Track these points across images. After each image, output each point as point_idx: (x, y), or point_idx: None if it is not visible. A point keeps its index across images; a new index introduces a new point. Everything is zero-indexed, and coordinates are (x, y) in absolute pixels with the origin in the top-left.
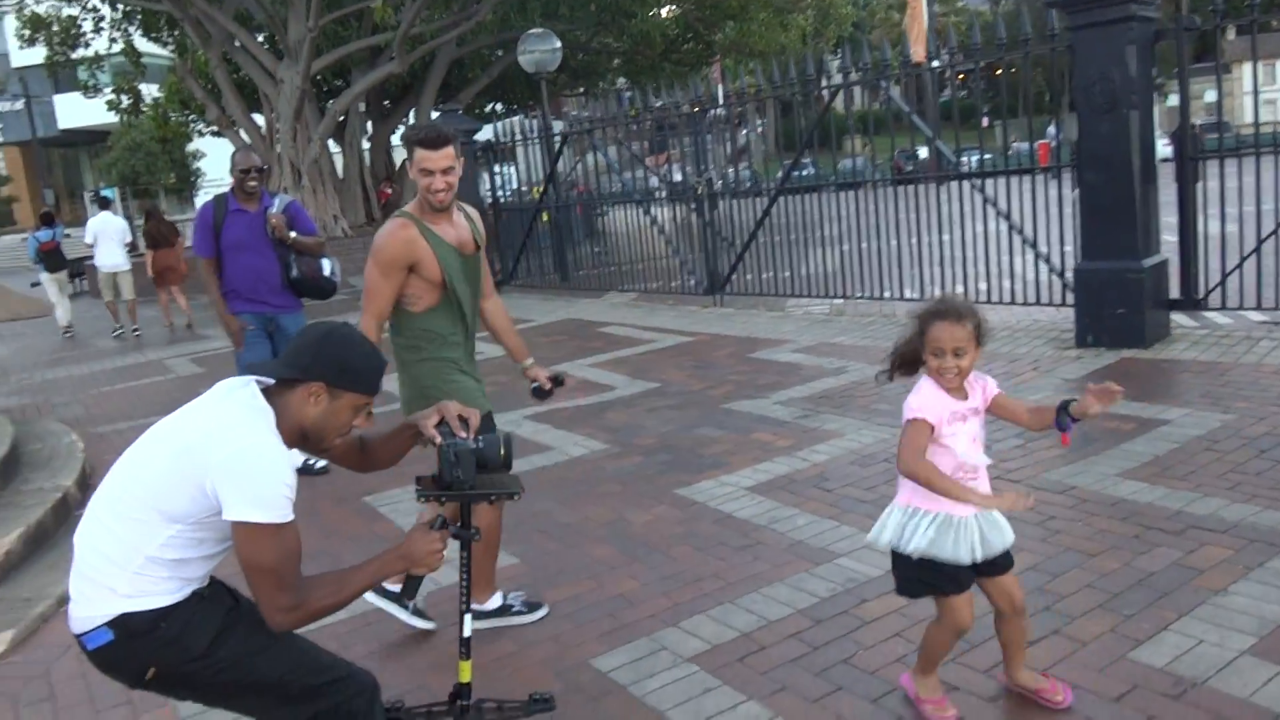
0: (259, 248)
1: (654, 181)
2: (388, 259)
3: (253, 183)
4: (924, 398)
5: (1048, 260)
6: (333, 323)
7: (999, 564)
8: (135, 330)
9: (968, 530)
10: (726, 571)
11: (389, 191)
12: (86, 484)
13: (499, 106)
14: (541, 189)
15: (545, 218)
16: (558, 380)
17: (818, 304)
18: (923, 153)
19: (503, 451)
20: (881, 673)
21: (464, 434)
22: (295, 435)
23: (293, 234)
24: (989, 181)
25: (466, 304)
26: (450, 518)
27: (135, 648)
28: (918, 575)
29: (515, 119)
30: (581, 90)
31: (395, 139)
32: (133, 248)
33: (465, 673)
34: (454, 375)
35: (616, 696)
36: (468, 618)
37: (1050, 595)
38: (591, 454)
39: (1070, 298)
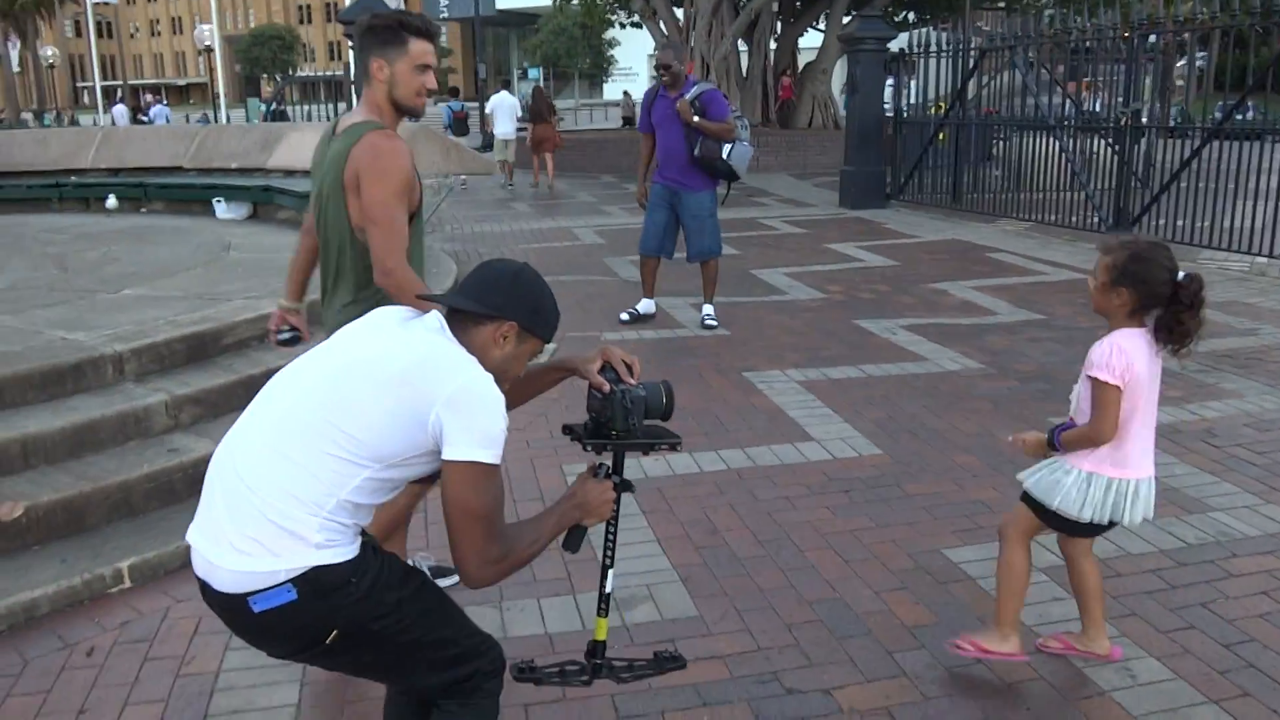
0: (671, 129)
1: (1069, 109)
2: (403, 181)
3: (664, 76)
4: (1121, 353)
5: None
6: (520, 262)
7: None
8: (510, 185)
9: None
10: None
11: (789, 90)
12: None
13: (910, 15)
14: (945, 105)
15: (943, 136)
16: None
17: (1236, 259)
18: None
19: (665, 400)
20: (1240, 623)
21: (630, 380)
22: None
23: (697, 119)
24: None
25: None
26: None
27: (322, 607)
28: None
29: (924, 30)
30: (1001, 5)
31: (803, 41)
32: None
33: (602, 630)
34: None
35: (964, 584)
36: (610, 573)
37: None
38: (965, 370)
39: None
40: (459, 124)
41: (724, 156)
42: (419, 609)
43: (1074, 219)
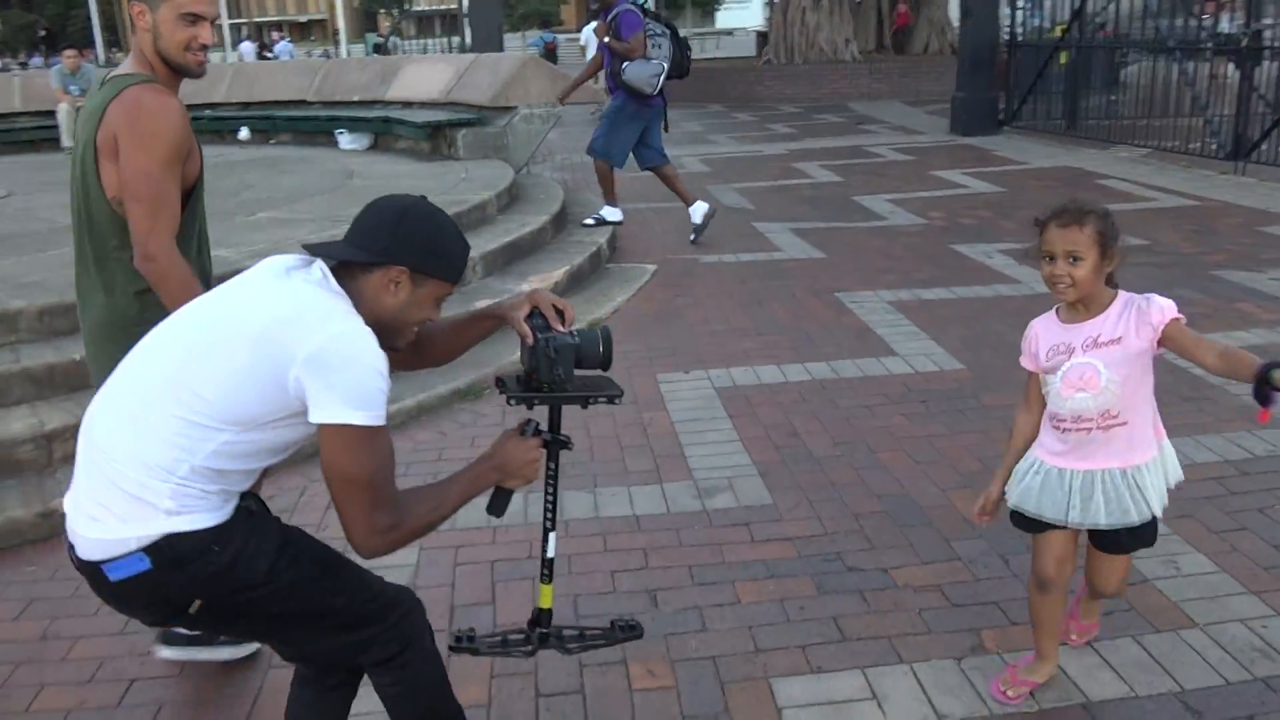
0: (604, 48)
1: (1193, 29)
2: (173, 147)
3: (595, 5)
4: (1026, 339)
5: None
6: (410, 197)
7: (1111, 540)
8: (597, 112)
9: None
10: (1167, 416)
11: (905, 16)
12: (614, 244)
13: None
14: (1064, 27)
15: (1063, 59)
16: None
17: None
18: None
19: (601, 348)
20: None
21: (560, 327)
22: (369, 326)
23: (607, 38)
24: None
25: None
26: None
27: (179, 578)
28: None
29: None
30: None
31: None
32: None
33: (546, 597)
34: None
35: None
36: (552, 537)
37: None
38: None
39: None
40: (549, 56)
41: (625, 77)
42: (295, 578)
43: (1193, 146)
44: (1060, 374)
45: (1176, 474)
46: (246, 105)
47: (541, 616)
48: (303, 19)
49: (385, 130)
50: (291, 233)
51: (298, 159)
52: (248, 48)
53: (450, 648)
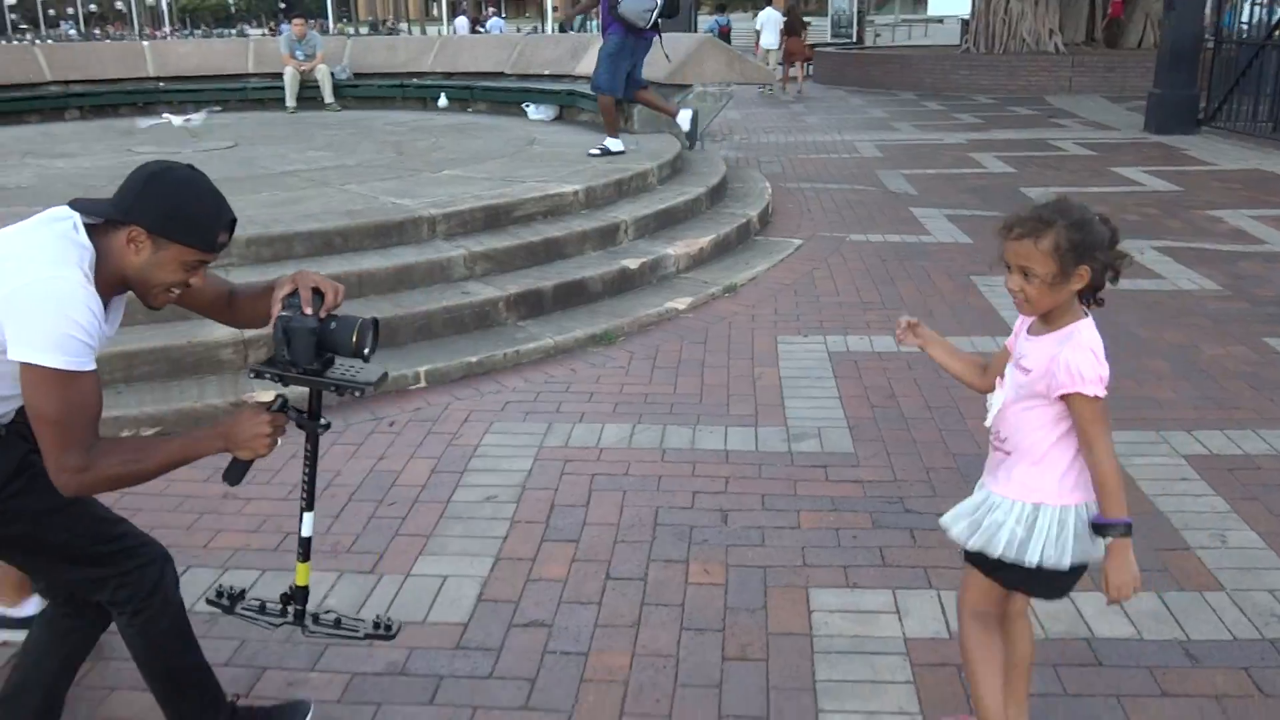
0: None
1: None
2: None
3: None
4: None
5: None
6: (171, 163)
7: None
8: (768, 90)
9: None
10: (1268, 409)
11: (1119, 7)
12: (766, 219)
13: None
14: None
15: None
16: None
17: None
18: None
19: (355, 338)
20: None
21: (308, 310)
22: (115, 281)
23: None
24: None
25: None
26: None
27: None
28: None
29: None
30: None
31: None
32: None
33: (302, 575)
34: None
35: None
36: (308, 517)
37: None
38: (1199, 291)
39: None
40: (723, 39)
41: (616, 8)
42: (26, 506)
43: None
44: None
45: (1053, 554)
46: (449, 75)
47: (296, 593)
48: None
49: (570, 103)
50: (468, 188)
51: (488, 126)
52: (462, 22)
53: (208, 600)
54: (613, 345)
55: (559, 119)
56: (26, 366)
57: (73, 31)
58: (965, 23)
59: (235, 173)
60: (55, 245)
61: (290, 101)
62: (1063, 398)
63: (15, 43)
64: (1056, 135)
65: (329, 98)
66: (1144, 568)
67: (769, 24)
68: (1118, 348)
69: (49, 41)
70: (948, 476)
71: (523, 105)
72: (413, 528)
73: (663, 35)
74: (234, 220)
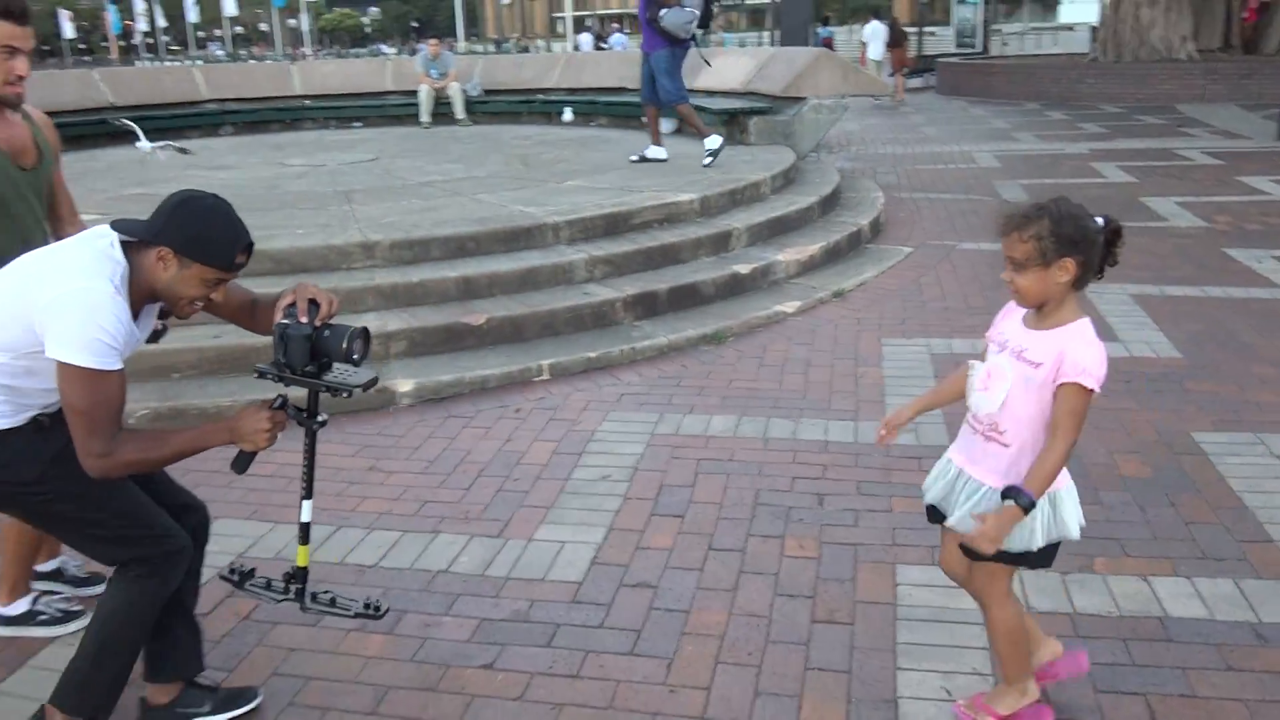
0: None
1: None
2: None
3: None
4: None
5: None
6: (199, 192)
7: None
8: (888, 100)
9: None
10: None
11: (1254, 12)
12: (878, 228)
13: None
14: None
15: None
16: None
17: None
18: None
19: (345, 345)
20: None
21: (303, 319)
22: (146, 293)
23: None
24: None
25: (32, 227)
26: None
27: None
28: None
29: None
30: None
31: None
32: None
33: (302, 557)
34: None
35: (1196, 459)
36: (307, 504)
37: None
38: None
39: None
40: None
41: (654, 16)
42: (68, 489)
43: None
44: (984, 365)
45: (1041, 533)
46: (573, 90)
47: (297, 573)
48: None
49: None
50: (591, 197)
51: (609, 139)
52: (586, 39)
53: (221, 576)
54: (722, 345)
55: (677, 132)
56: (60, 364)
57: (220, 52)
58: (1095, 30)
59: (378, 183)
60: (91, 260)
61: (425, 117)
62: (1059, 387)
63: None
64: (1183, 145)
65: (461, 113)
66: (1223, 557)
67: (875, 36)
68: (1225, 352)
69: (200, 63)
70: None
71: (642, 119)
72: (535, 500)
73: (698, 43)
74: (251, 244)
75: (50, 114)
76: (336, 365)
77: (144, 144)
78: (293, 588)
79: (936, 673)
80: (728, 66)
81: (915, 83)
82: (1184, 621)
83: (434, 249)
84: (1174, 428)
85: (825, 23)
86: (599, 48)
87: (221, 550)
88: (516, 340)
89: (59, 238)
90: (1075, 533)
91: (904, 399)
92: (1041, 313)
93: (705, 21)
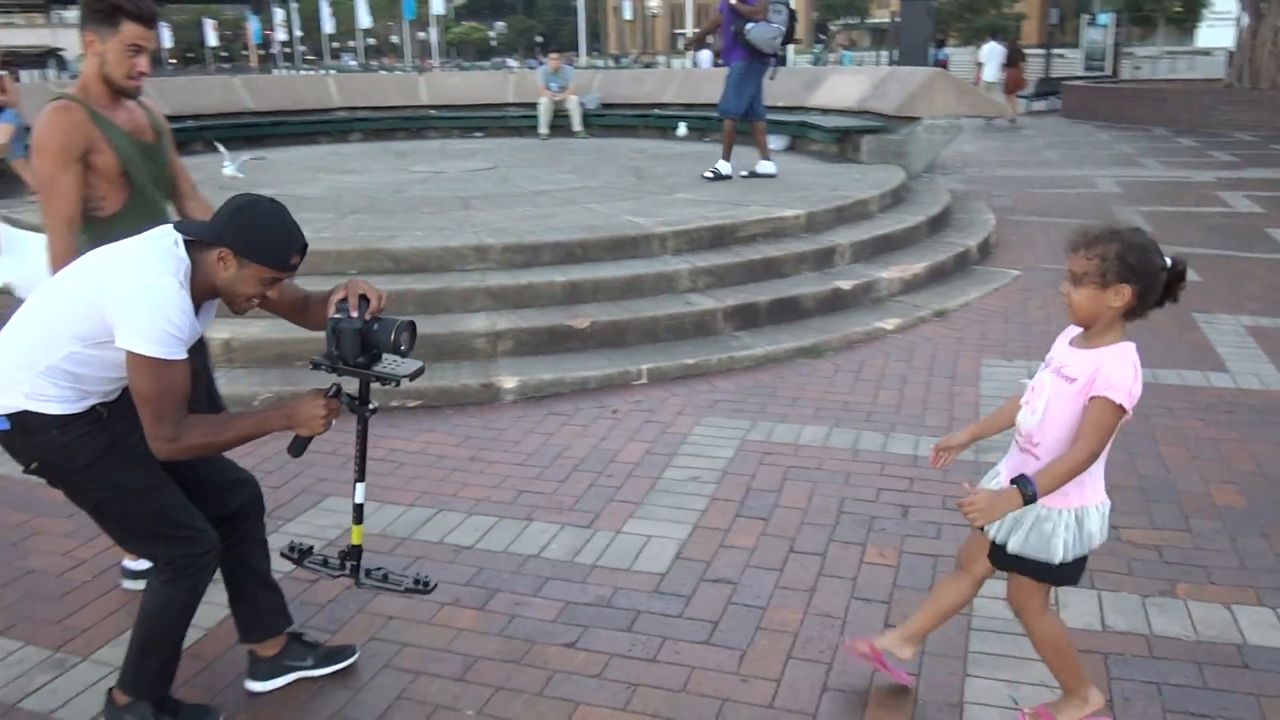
0: (725, 10)
1: None
2: (58, 146)
3: None
4: None
5: None
6: (257, 196)
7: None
8: (1006, 121)
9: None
10: None
11: None
12: (987, 250)
13: None
14: None
15: None
16: None
17: None
18: None
19: (393, 337)
20: None
21: (354, 313)
22: (207, 289)
23: (733, 1)
24: None
25: (152, 203)
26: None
27: (26, 442)
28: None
29: None
30: None
31: None
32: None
33: (357, 536)
34: None
35: None
36: (360, 486)
37: None
38: None
39: None
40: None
41: (741, 32)
42: (112, 481)
43: None
44: (1030, 382)
45: (1061, 548)
46: (689, 106)
47: (352, 550)
48: None
49: (801, 133)
50: (698, 210)
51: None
52: (705, 56)
53: (282, 553)
54: (819, 358)
55: (790, 149)
56: (130, 354)
57: (353, 63)
58: (1232, 55)
59: (494, 190)
60: (158, 257)
61: (543, 129)
62: (1090, 400)
63: (309, 72)
64: None
65: (578, 126)
66: None
67: (991, 57)
68: None
69: (333, 72)
70: (1130, 495)
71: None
72: (625, 496)
73: (781, 61)
74: (305, 245)
75: (193, 116)
76: (386, 356)
77: (229, 167)
78: (348, 564)
79: (1004, 681)
80: (843, 85)
81: (1039, 105)
82: (1263, 650)
83: (544, 254)
84: (1275, 461)
85: (941, 45)
86: (718, 65)
87: (330, 525)
88: (617, 344)
89: (183, 213)
90: (1095, 545)
91: None
92: (1089, 333)
93: (789, 38)
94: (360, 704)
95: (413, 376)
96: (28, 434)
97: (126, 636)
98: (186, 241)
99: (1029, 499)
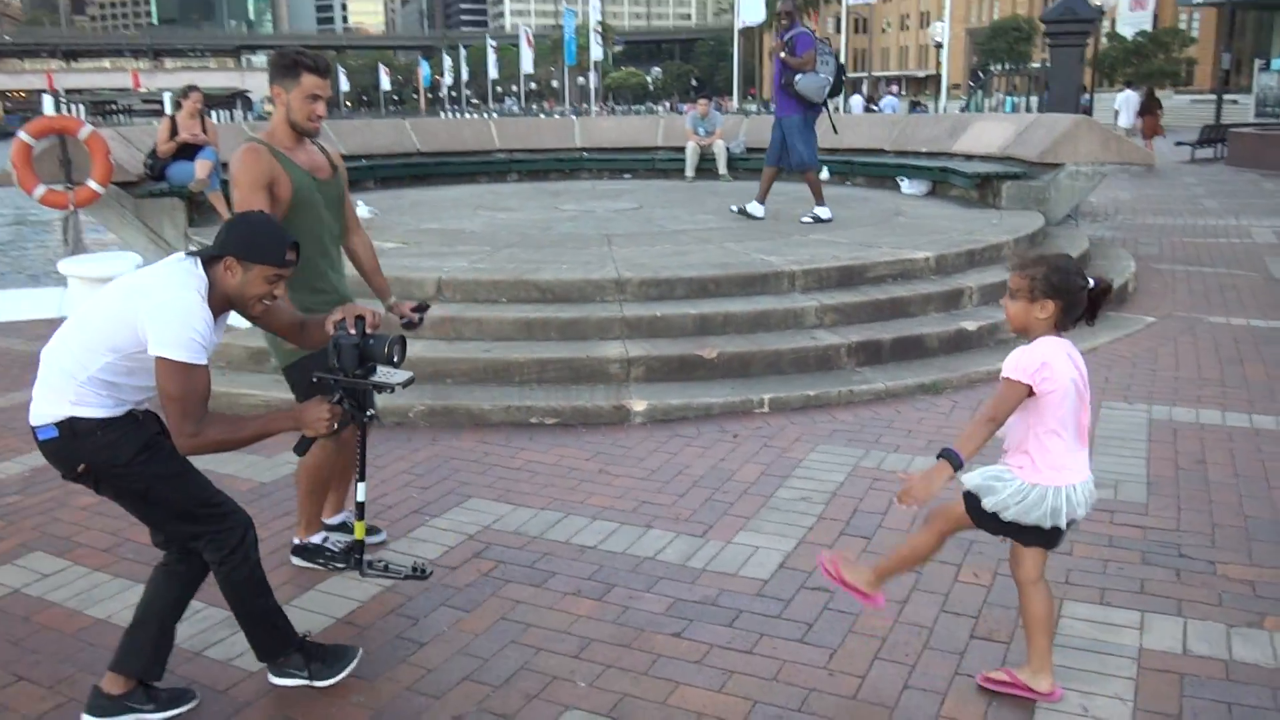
0: (775, 63)
1: None
2: (250, 180)
3: (782, 20)
4: None
5: None
6: (249, 211)
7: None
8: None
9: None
10: None
11: None
12: (1124, 296)
13: None
14: None
15: None
16: (422, 307)
17: None
18: None
19: (387, 350)
20: None
21: (353, 331)
22: (222, 301)
23: (783, 54)
24: None
25: (325, 230)
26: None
27: (75, 446)
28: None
29: None
30: None
31: None
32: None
33: (360, 531)
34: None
35: None
36: (362, 486)
37: None
38: None
39: None
40: None
41: (785, 83)
42: (154, 470)
43: None
44: None
45: (995, 501)
46: (833, 151)
47: (356, 545)
48: (920, 74)
49: (942, 179)
50: (830, 250)
51: (861, 198)
52: (857, 101)
53: (293, 551)
54: (939, 395)
55: (931, 194)
56: (160, 359)
57: (515, 107)
58: None
59: (636, 229)
60: (182, 275)
61: (689, 172)
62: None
63: (472, 116)
64: None
65: (723, 169)
66: None
67: (1126, 105)
68: None
69: (495, 116)
70: (1232, 533)
71: (897, 179)
72: (738, 511)
73: (829, 109)
74: (296, 243)
75: (366, 156)
76: (380, 368)
77: (364, 209)
78: (352, 558)
79: (1078, 692)
80: (988, 131)
81: (1205, 154)
82: None
83: (678, 288)
84: None
85: (1084, 90)
86: (869, 109)
87: (471, 522)
88: (742, 374)
89: (346, 246)
90: (1047, 524)
91: (1111, 458)
92: (1027, 339)
93: (837, 89)
94: (489, 670)
95: (405, 384)
96: (76, 437)
97: (295, 600)
98: (203, 262)
99: (957, 466)
